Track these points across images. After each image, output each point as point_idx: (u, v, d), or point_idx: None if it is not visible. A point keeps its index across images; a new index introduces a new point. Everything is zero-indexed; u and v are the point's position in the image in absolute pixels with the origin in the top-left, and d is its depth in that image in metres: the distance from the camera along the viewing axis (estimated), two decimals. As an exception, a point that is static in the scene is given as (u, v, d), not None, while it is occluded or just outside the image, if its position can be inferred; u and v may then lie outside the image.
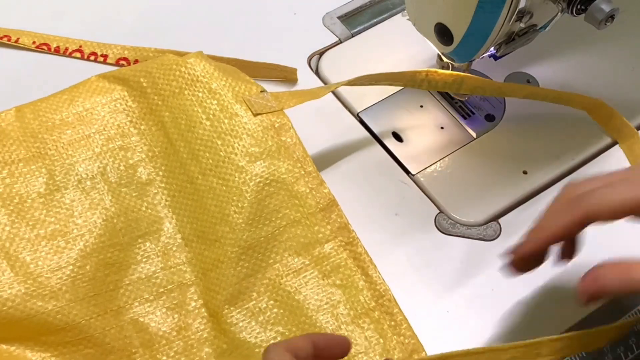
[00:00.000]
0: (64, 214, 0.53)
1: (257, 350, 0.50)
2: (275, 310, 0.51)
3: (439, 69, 0.61)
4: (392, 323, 0.51)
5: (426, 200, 0.59)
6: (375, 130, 0.62)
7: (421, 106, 0.64)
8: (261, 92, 0.57)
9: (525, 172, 0.60)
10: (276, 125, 0.56)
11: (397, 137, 0.62)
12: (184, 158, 0.55)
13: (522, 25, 0.53)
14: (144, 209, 0.54)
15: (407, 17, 0.59)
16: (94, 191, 0.54)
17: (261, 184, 0.53)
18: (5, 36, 0.66)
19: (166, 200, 0.55)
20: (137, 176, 0.55)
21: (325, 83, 0.65)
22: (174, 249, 0.53)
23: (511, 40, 0.55)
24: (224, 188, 0.53)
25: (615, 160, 0.61)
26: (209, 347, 0.50)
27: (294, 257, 0.52)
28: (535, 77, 0.65)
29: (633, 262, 0.44)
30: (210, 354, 0.50)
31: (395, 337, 0.50)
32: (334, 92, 0.64)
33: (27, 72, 0.65)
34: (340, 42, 0.68)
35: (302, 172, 0.55)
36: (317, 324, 0.51)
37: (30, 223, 0.52)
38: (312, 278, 0.52)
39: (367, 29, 0.69)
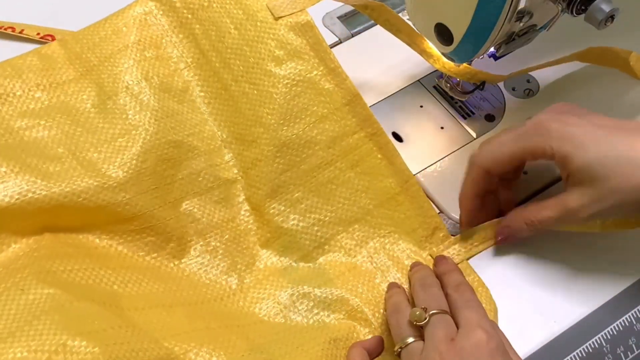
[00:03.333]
0: (119, 117, 0.56)
1: (299, 236, 0.55)
2: (310, 199, 0.56)
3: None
4: (416, 205, 0.55)
5: (426, 200, 0.59)
6: (375, 130, 0.62)
7: (421, 106, 0.64)
8: None
9: (525, 172, 0.60)
10: (298, 26, 0.57)
11: (397, 137, 0.62)
12: (217, 67, 0.58)
13: (522, 25, 0.53)
14: (185, 111, 0.58)
15: (407, 17, 0.59)
16: (142, 94, 0.57)
17: (289, 85, 0.56)
18: (10, 27, 0.66)
19: (204, 106, 0.58)
20: (174, 84, 0.59)
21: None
22: (216, 149, 0.57)
23: (511, 40, 0.55)
24: (255, 92, 0.57)
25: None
26: (253, 237, 0.56)
27: (324, 150, 0.56)
28: (535, 77, 0.66)
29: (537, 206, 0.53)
30: (255, 243, 0.56)
31: (419, 217, 0.55)
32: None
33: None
34: (340, 42, 0.68)
35: (327, 70, 0.57)
36: (352, 209, 0.56)
37: (91, 130, 0.56)
38: (341, 169, 0.56)
39: (367, 29, 0.69)
